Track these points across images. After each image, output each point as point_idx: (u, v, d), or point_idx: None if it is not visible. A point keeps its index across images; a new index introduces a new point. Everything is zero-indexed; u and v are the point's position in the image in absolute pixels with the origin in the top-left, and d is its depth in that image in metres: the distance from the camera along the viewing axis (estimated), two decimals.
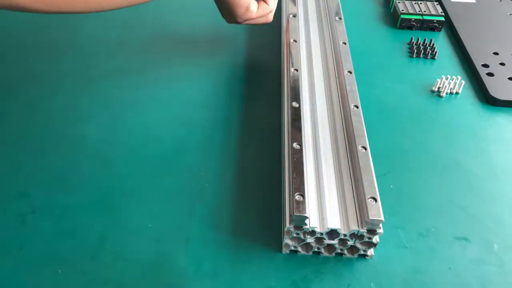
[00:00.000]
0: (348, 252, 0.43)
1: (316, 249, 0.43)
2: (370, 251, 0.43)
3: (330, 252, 0.44)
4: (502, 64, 0.66)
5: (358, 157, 0.45)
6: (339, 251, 0.43)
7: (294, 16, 0.66)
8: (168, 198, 0.48)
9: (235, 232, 0.45)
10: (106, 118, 0.57)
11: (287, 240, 0.43)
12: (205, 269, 0.42)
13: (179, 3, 0.80)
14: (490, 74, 0.65)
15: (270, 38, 0.71)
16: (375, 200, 0.41)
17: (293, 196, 0.41)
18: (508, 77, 0.64)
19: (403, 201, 0.49)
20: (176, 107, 0.59)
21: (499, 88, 0.62)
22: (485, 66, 0.66)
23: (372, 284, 0.42)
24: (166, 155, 0.53)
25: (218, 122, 0.57)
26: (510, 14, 0.78)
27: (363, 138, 0.47)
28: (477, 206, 0.49)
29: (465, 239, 0.45)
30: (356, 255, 0.43)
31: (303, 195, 0.41)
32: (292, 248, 0.43)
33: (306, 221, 0.40)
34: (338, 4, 0.69)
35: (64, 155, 0.53)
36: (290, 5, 0.68)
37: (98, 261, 0.43)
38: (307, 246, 0.43)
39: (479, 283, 0.42)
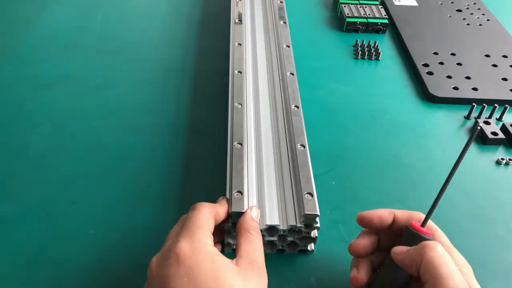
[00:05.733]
0: (289, 248, 0.44)
1: None
2: (310, 246, 0.44)
3: (272, 249, 0.44)
4: (441, 63, 0.69)
5: (297, 155, 0.46)
6: (280, 247, 0.44)
7: (240, 21, 0.67)
8: (111, 204, 0.48)
9: None
10: (50, 127, 0.57)
11: (228, 239, 0.43)
12: None
13: (129, 8, 0.80)
14: (430, 73, 0.67)
15: (219, 46, 0.72)
16: (311, 195, 0.42)
17: (232, 194, 0.42)
18: (446, 75, 0.67)
19: (344, 196, 0.50)
20: (121, 113, 0.59)
21: (438, 86, 0.65)
22: (425, 65, 0.69)
23: (312, 279, 0.42)
24: (110, 161, 0.53)
25: (164, 127, 0.57)
26: (450, 16, 0.81)
27: (302, 137, 0.48)
28: (416, 199, 0.51)
29: None
30: (297, 251, 0.44)
31: (241, 192, 0.42)
32: (234, 247, 0.44)
33: None
34: (283, 9, 0.71)
35: (4, 164, 0.52)
36: (236, 10, 0.69)
37: (36, 270, 0.42)
38: None
39: None
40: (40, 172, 0.51)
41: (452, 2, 0.85)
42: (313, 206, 0.41)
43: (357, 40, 0.74)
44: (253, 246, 0.37)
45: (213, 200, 0.48)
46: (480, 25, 0.79)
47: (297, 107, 0.52)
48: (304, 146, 0.47)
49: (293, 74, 0.57)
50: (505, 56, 0.72)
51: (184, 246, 0.34)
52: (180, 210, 0.48)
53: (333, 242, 0.46)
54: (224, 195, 0.43)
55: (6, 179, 0.50)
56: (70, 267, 0.42)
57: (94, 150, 0.54)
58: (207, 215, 0.38)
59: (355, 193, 0.51)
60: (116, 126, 0.57)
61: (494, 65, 0.70)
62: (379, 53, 0.72)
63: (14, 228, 0.45)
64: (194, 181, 0.51)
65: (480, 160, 0.56)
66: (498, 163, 0.56)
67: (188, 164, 0.53)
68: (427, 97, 0.64)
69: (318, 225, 0.41)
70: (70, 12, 0.78)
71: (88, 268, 0.42)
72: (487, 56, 0.72)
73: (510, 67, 0.69)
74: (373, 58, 0.72)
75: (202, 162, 0.53)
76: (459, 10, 0.83)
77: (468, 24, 0.79)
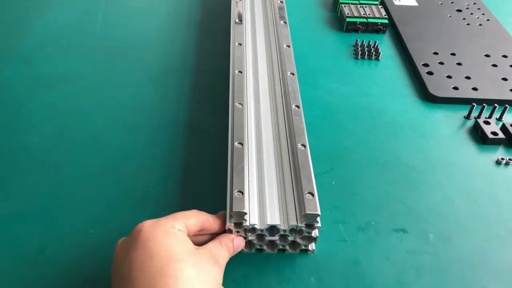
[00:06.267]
0: (290, 247, 0.44)
1: (258, 247, 0.44)
2: (311, 246, 0.44)
3: (272, 249, 0.44)
4: (441, 63, 0.69)
5: (297, 155, 0.46)
6: (281, 247, 0.44)
7: (240, 21, 0.67)
8: (111, 204, 0.48)
9: None
10: (50, 127, 0.57)
11: None
12: None
13: (129, 8, 0.80)
14: (430, 73, 0.67)
15: (219, 46, 0.72)
16: (312, 195, 0.42)
17: (233, 194, 0.42)
18: (446, 75, 0.67)
19: (344, 196, 0.50)
20: (121, 113, 0.59)
21: (437, 86, 0.65)
22: (425, 65, 0.69)
23: (312, 279, 0.42)
24: (110, 161, 0.53)
25: (164, 127, 0.57)
26: (449, 16, 0.81)
27: (302, 136, 0.48)
28: (415, 199, 0.51)
29: (403, 230, 0.47)
30: (298, 251, 0.44)
31: (242, 192, 0.42)
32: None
33: (246, 217, 0.41)
34: (283, 9, 0.71)
35: (4, 164, 0.52)
36: (236, 10, 0.69)
37: (36, 270, 0.42)
38: (250, 244, 0.44)
39: (414, 271, 0.43)
40: (40, 172, 0.51)
41: (452, 2, 0.86)
42: (314, 206, 0.41)
43: (357, 40, 0.74)
44: (219, 250, 0.38)
45: (213, 199, 0.49)
46: (480, 25, 0.80)
47: (298, 106, 0.52)
48: (304, 146, 0.47)
49: (293, 74, 0.57)
50: (505, 56, 0.72)
51: (147, 223, 0.36)
52: (180, 209, 0.47)
53: (333, 242, 0.46)
54: (225, 195, 0.43)
55: (6, 179, 0.50)
56: (70, 267, 0.42)
57: (94, 150, 0.54)
58: (190, 213, 0.39)
59: (355, 193, 0.51)
60: (116, 126, 0.57)
61: (494, 65, 0.70)
62: (379, 53, 0.72)
63: (14, 228, 0.45)
64: (194, 181, 0.51)
65: (480, 160, 0.56)
66: (498, 163, 0.56)
67: (188, 164, 0.53)
68: (427, 97, 0.64)
69: (319, 224, 0.41)
70: (70, 12, 0.78)
71: (88, 268, 0.42)
72: (487, 56, 0.72)
73: (510, 67, 0.69)
74: (373, 58, 0.72)
75: (203, 162, 0.53)
76: (459, 10, 0.83)
77: (468, 24, 0.79)
